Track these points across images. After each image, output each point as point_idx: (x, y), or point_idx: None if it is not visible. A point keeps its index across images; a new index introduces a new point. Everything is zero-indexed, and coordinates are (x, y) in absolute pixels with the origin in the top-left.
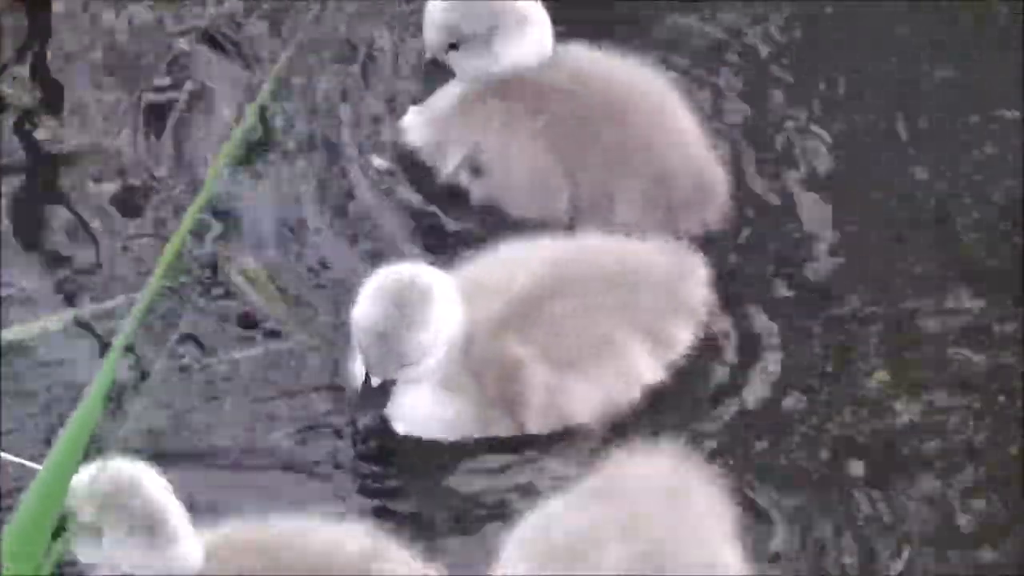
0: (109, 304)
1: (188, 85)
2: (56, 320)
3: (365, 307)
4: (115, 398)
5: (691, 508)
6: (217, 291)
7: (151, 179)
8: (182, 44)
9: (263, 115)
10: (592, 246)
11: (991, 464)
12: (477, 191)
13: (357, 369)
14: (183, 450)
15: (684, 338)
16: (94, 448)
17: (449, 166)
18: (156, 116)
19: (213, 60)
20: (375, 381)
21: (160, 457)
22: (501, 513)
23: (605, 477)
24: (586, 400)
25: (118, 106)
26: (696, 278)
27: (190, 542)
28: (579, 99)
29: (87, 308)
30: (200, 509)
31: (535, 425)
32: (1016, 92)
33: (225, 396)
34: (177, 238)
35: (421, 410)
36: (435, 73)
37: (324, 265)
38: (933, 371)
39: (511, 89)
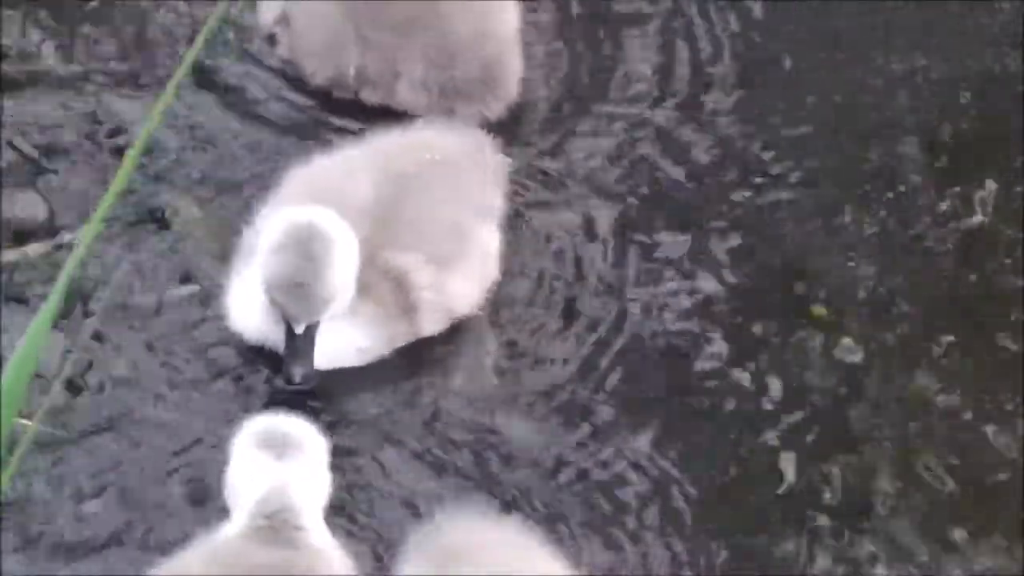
0: (54, 242)
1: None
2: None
3: (273, 264)
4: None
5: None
6: (154, 229)
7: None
8: None
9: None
10: (398, 142)
11: None
12: (282, 48)
13: (271, 324)
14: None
15: (500, 205)
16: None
17: (268, 19)
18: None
19: None
20: (299, 329)
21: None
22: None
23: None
24: (465, 290)
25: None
26: (489, 147)
27: None
28: None
29: (33, 246)
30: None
31: (430, 327)
32: None
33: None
34: (120, 178)
35: (335, 343)
36: None
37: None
38: None
39: None
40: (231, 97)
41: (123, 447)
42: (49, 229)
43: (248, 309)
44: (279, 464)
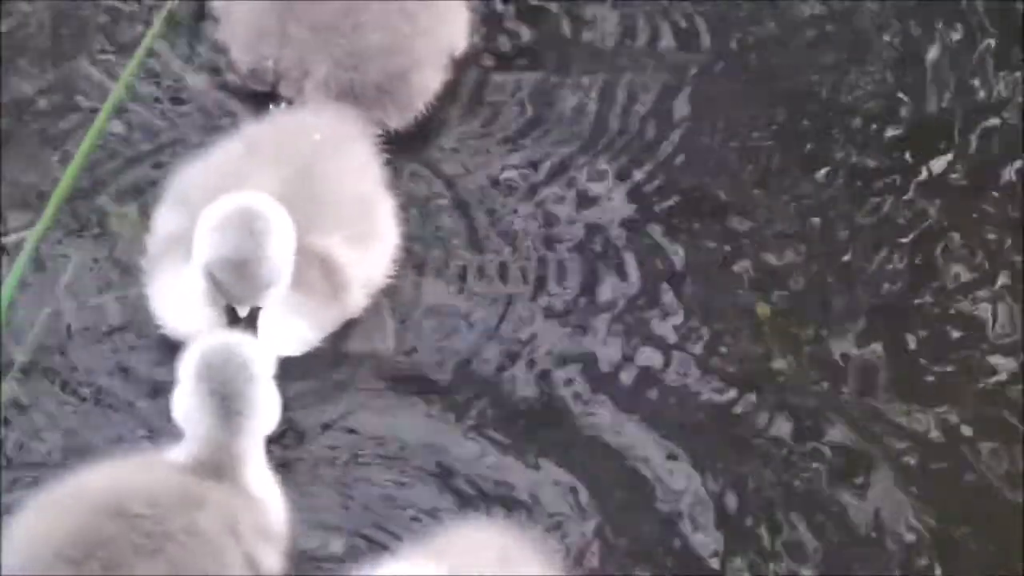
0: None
1: None
2: None
3: (215, 244)
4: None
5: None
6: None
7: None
8: None
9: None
10: (275, 127)
11: None
12: (218, 31)
13: (210, 310)
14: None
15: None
16: None
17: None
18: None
19: None
20: (243, 312)
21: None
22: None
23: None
24: (381, 262)
25: None
26: (359, 121)
27: None
28: None
29: None
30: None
31: (357, 305)
32: None
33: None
34: (68, 176)
35: (275, 334)
36: None
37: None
38: None
39: None
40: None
41: None
42: None
43: (178, 303)
44: (223, 400)
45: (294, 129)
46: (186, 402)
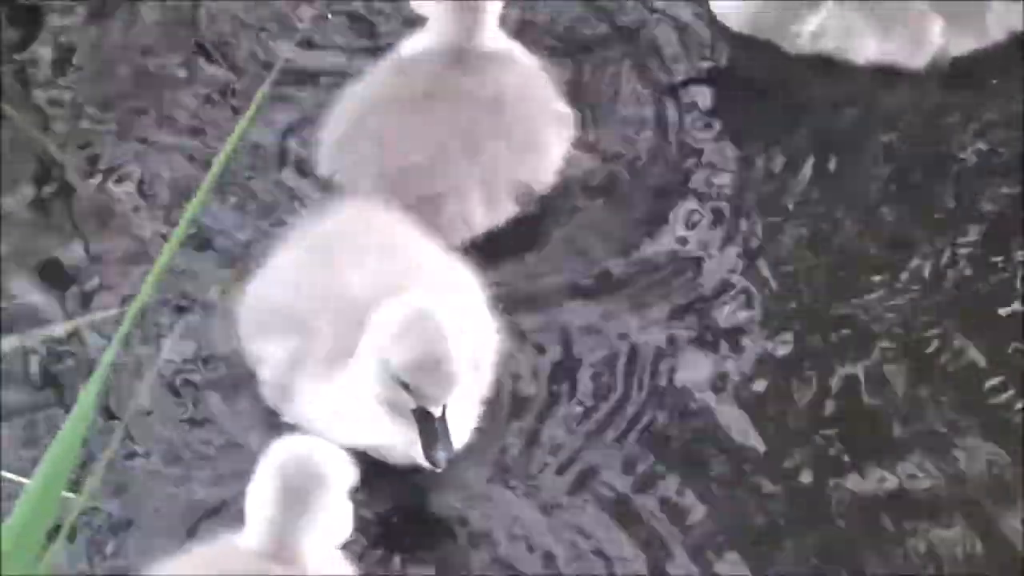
0: (100, 316)
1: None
2: (51, 331)
3: (405, 349)
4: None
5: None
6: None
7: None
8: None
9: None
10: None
11: None
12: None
13: (399, 417)
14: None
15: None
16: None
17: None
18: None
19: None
20: (438, 412)
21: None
22: None
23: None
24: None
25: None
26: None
27: None
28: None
29: (79, 320)
30: None
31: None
32: None
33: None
34: (165, 255)
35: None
36: None
37: None
38: None
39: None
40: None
41: None
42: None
43: (347, 415)
44: (295, 502)
45: (358, 226)
46: (260, 498)
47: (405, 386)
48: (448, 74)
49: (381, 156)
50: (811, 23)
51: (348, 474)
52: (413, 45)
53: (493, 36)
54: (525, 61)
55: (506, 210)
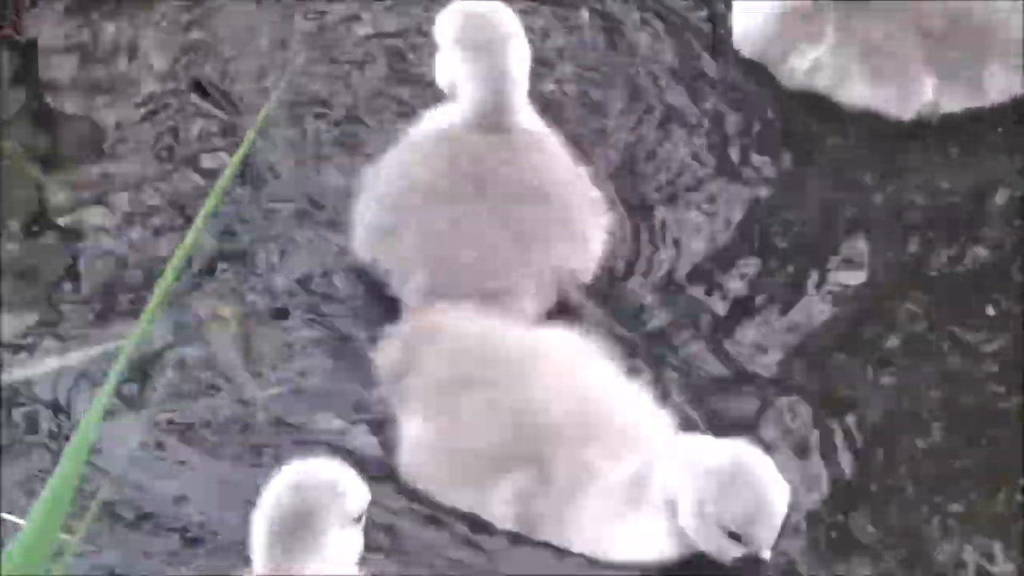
0: (97, 350)
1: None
2: (51, 364)
3: (734, 501)
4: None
5: None
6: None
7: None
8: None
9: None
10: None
11: None
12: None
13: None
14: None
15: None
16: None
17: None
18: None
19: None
20: (767, 554)
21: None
22: None
23: None
24: None
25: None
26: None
27: None
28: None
29: (77, 353)
30: None
31: None
32: None
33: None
34: (163, 286)
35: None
36: None
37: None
38: None
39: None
40: None
41: None
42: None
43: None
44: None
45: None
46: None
47: (734, 535)
48: (489, 158)
49: (430, 250)
50: (808, 59)
51: (360, 496)
52: (442, 117)
53: (526, 114)
54: (555, 141)
55: (552, 299)
